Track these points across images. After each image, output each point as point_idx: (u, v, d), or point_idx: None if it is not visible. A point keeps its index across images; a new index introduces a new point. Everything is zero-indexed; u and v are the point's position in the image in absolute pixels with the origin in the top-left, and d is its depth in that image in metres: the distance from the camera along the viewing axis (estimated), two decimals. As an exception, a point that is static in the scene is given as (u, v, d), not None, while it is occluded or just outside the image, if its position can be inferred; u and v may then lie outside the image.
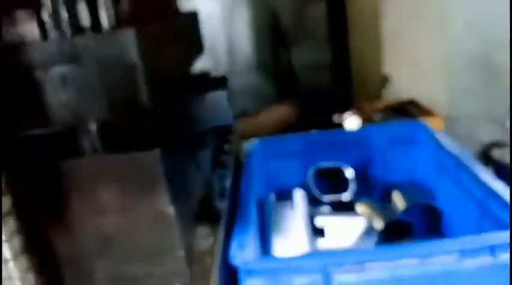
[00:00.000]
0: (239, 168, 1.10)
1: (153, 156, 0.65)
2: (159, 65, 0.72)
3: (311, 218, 1.01)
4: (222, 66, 2.48)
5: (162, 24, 0.80)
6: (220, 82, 1.01)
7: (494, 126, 1.75)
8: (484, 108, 2.11)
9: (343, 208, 1.16)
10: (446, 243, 0.73)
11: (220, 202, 0.90)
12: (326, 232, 0.98)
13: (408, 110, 1.86)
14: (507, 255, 0.71)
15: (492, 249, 0.71)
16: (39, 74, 0.62)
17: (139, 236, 0.69)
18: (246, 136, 1.96)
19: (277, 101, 2.55)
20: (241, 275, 0.74)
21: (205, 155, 1.00)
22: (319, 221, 0.99)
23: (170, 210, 0.68)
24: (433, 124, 1.33)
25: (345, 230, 0.99)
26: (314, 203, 1.17)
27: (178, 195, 0.71)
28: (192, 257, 0.73)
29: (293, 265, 0.73)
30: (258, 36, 2.54)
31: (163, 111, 0.70)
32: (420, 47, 1.99)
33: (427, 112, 1.73)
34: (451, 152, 1.06)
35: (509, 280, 0.71)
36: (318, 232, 1.00)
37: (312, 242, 0.98)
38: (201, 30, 1.15)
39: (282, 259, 0.76)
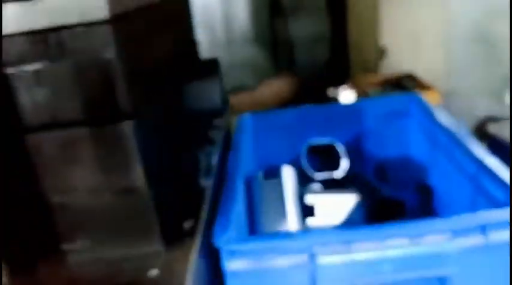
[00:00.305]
0: (229, 144, 1.05)
1: (126, 128, 0.60)
2: (140, 61, 0.67)
3: (301, 196, 0.97)
4: (218, 38, 2.42)
5: (144, 13, 0.74)
6: (211, 67, 0.96)
7: (491, 100, 1.70)
8: (482, 81, 2.05)
9: (335, 186, 1.12)
10: (437, 223, 0.69)
11: (206, 179, 0.86)
12: (316, 210, 0.94)
13: (405, 84, 1.80)
14: (500, 235, 0.67)
15: (484, 229, 0.67)
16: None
17: (112, 215, 0.65)
18: (242, 111, 1.91)
19: (275, 74, 2.50)
20: (223, 256, 0.70)
21: (193, 131, 0.96)
22: (309, 199, 0.95)
23: (144, 187, 0.64)
24: (430, 98, 1.28)
25: (335, 207, 0.95)
26: (305, 180, 1.13)
27: (154, 171, 0.67)
28: (171, 238, 0.69)
29: (277, 246, 0.69)
30: (255, 8, 2.46)
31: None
32: (418, 17, 1.92)
33: (424, 86, 1.68)
34: (445, 127, 1.01)
35: (503, 261, 0.68)
36: (307, 210, 0.96)
37: (301, 220, 0.94)
38: (191, 14, 1.07)
39: (265, 239, 0.72)
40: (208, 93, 0.84)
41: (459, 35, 2.00)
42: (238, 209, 0.81)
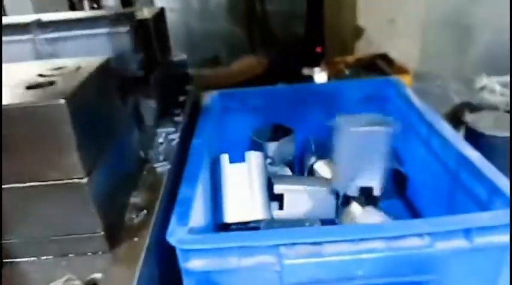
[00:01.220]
0: (193, 124, 0.93)
1: (58, 109, 0.48)
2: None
3: (269, 184, 0.86)
4: (193, 7, 2.26)
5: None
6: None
7: (464, 85, 1.61)
8: (455, 65, 1.97)
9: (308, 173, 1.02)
10: (416, 225, 0.60)
11: (163, 164, 0.74)
12: (285, 201, 0.84)
13: (379, 65, 1.71)
14: (484, 239, 0.58)
15: (468, 232, 0.58)
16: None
17: (47, 211, 0.53)
18: (214, 86, 1.78)
19: (249, 50, 2.37)
20: (180, 256, 0.59)
21: (149, 109, 0.83)
22: (277, 189, 0.84)
23: (83, 178, 0.52)
24: (403, 81, 1.17)
25: (306, 199, 0.85)
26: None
27: (97, 158, 0.55)
28: (116, 236, 0.58)
29: (240, 244, 0.59)
30: (232, -20, 2.30)
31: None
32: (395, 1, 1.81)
33: (398, 68, 1.59)
34: (422, 113, 0.91)
35: (489, 267, 0.59)
36: (276, 199, 0.86)
37: (268, 211, 0.84)
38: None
39: (227, 237, 0.61)
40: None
41: (435, 18, 1.91)
42: (198, 199, 0.70)
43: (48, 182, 0.52)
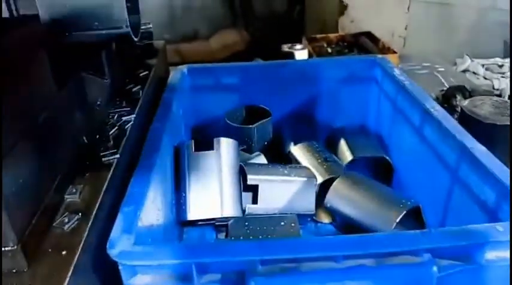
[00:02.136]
0: (156, 104, 0.77)
1: None
2: None
3: (241, 173, 0.72)
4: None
5: None
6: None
7: (446, 66, 1.49)
8: (437, 47, 1.85)
9: (282, 159, 0.89)
10: (413, 238, 0.47)
11: (111, 152, 0.59)
12: (259, 193, 0.70)
13: (363, 43, 1.56)
14: (495, 256, 0.46)
15: (478, 248, 0.46)
16: None
17: None
18: (192, 62, 1.62)
19: (229, 24, 2.21)
20: (123, 272, 0.45)
21: (99, 85, 0.67)
22: (251, 180, 0.70)
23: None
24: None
25: (282, 190, 0.72)
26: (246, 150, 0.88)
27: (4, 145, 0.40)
28: (37, 249, 0.43)
29: (196, 260, 0.45)
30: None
31: None
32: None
33: (383, 47, 1.45)
34: (413, 97, 0.78)
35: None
36: (249, 190, 0.72)
37: (239, 206, 0.70)
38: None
39: (180, 250, 0.48)
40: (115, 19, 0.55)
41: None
42: (154, 194, 0.56)
43: None
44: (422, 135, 0.74)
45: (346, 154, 0.87)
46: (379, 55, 0.99)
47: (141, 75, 0.82)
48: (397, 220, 0.64)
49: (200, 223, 0.71)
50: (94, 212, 0.49)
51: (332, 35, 1.61)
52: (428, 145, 0.72)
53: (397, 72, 0.88)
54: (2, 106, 0.38)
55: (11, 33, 0.43)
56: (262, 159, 0.89)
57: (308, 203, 0.74)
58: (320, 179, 0.77)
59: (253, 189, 0.72)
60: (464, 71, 1.55)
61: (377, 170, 0.88)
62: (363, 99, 0.97)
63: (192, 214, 0.67)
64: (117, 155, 0.59)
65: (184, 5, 2.20)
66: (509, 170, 0.55)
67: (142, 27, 0.92)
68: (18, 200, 0.41)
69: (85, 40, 0.56)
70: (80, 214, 0.48)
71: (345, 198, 0.73)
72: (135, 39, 0.60)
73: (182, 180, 0.71)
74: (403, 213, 0.64)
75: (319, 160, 0.81)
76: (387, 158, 0.84)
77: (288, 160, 0.87)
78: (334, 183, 0.74)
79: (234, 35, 2.22)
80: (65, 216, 0.47)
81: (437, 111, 0.72)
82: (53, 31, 0.53)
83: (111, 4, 0.55)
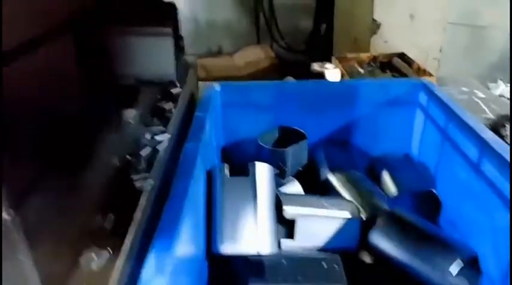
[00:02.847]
0: (188, 124, 0.72)
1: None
2: None
3: (276, 203, 0.67)
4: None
5: None
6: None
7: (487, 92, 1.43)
8: (470, 70, 1.79)
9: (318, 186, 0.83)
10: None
11: (144, 176, 0.54)
12: (296, 227, 0.64)
13: (396, 65, 1.51)
14: None
15: None
16: None
17: None
18: (216, 77, 1.58)
19: (255, 41, 2.20)
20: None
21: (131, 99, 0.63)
22: (288, 213, 0.64)
23: (6, 215, 0.32)
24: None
25: (322, 225, 0.66)
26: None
27: (32, 181, 0.35)
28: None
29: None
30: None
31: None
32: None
33: (418, 69, 1.39)
34: (466, 125, 0.72)
35: None
36: (283, 222, 0.67)
37: (275, 241, 0.64)
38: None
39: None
40: (156, 51, 0.50)
41: (454, 18, 1.72)
42: (186, 224, 0.50)
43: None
44: (479, 169, 0.67)
45: (389, 186, 0.81)
46: (425, 78, 0.94)
47: (173, 91, 0.78)
48: (454, 274, 0.57)
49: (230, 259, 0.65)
50: (124, 247, 0.43)
51: (364, 55, 1.56)
52: (486, 180, 0.66)
53: (445, 97, 0.82)
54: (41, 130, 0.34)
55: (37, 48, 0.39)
56: (296, 185, 0.83)
57: (350, 242, 0.67)
58: (363, 215, 0.70)
59: (290, 222, 0.66)
60: (500, 96, 1.48)
61: (422, 204, 0.81)
62: (406, 125, 0.91)
63: (225, 248, 0.62)
64: (151, 182, 0.54)
65: (209, 20, 2.19)
66: None
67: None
68: (43, 242, 0.36)
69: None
70: (109, 249, 0.43)
71: (391, 238, 0.67)
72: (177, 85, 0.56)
73: (214, 207, 0.66)
74: (461, 266, 0.58)
75: (361, 192, 0.75)
76: (435, 192, 0.78)
77: (324, 188, 0.81)
78: (379, 220, 0.68)
79: (259, 51, 2.19)
80: (93, 252, 0.42)
81: (497, 142, 0.65)
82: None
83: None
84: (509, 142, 0.84)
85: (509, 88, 1.51)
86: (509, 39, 1.52)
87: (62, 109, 0.41)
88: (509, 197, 0.59)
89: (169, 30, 0.50)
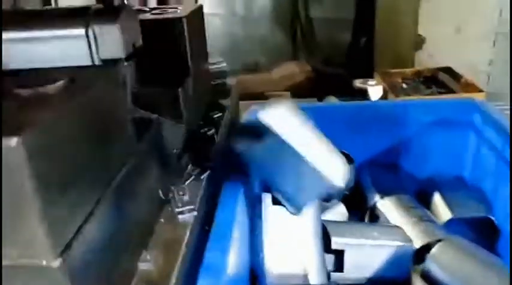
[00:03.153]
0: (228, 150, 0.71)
1: (9, 151, 0.28)
2: None
3: (324, 233, 0.64)
4: (236, 12, 2.10)
5: None
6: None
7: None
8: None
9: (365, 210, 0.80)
10: None
11: (187, 209, 0.53)
12: (346, 259, 0.61)
13: (442, 80, 1.45)
14: None
15: None
16: None
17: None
18: (252, 93, 1.57)
19: (292, 56, 2.19)
20: None
21: (175, 132, 0.62)
22: (337, 244, 0.62)
23: (53, 261, 0.31)
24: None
25: (372, 255, 0.62)
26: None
27: (79, 225, 0.34)
28: None
29: None
30: (277, -15, 2.12)
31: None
32: (463, 7, 1.54)
33: (466, 85, 1.33)
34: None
35: None
36: (330, 252, 0.64)
37: (324, 272, 0.61)
38: None
39: None
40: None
41: (503, 29, 1.64)
42: (229, 263, 0.49)
43: (5, 263, 0.31)
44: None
45: (442, 211, 0.76)
46: (475, 94, 0.89)
47: (215, 117, 0.77)
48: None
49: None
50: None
51: (407, 70, 1.51)
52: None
53: (501, 118, 0.77)
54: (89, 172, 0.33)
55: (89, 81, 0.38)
56: (341, 209, 0.80)
57: (402, 271, 0.64)
58: (417, 243, 0.66)
59: (338, 253, 0.63)
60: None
61: (478, 231, 0.76)
62: (457, 147, 0.87)
63: (272, 280, 0.60)
64: (195, 213, 0.53)
65: (246, 35, 2.19)
66: None
67: (216, 66, 0.89)
68: (87, 272, 0.35)
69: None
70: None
71: (447, 267, 0.63)
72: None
73: (259, 237, 0.64)
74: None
75: (413, 219, 0.71)
76: (492, 218, 0.73)
77: (372, 214, 0.78)
78: (435, 249, 0.64)
79: (296, 66, 2.18)
80: (141, 294, 0.41)
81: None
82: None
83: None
84: None
85: None
86: (510, 39, 1.43)
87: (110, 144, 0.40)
88: None
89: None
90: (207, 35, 0.82)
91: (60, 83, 0.35)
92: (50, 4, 1.37)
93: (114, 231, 0.40)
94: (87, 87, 0.35)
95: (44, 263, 0.31)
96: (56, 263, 0.31)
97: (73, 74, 0.37)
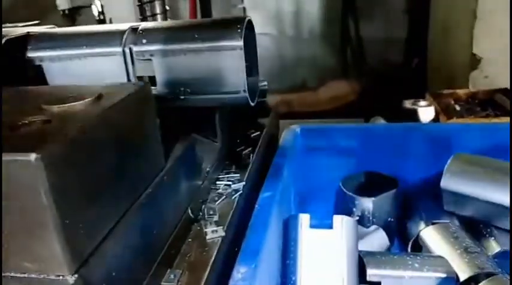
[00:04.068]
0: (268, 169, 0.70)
1: (28, 167, 0.28)
2: None
3: (359, 261, 0.61)
4: (286, 32, 2.11)
5: None
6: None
7: None
8: None
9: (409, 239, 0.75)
10: None
11: (215, 230, 0.52)
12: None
13: (499, 101, 1.37)
14: None
15: None
16: None
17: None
18: (299, 112, 1.55)
19: (340, 76, 2.16)
20: None
21: (210, 150, 0.62)
22: (372, 275, 0.58)
23: (69, 276, 0.31)
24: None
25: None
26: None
27: (96, 240, 0.34)
28: None
29: None
30: (327, 4, 2.11)
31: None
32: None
33: (526, 107, 1.24)
34: None
35: None
36: (366, 282, 0.60)
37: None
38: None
39: None
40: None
41: None
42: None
43: (21, 275, 0.32)
44: None
45: (492, 242, 0.70)
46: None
47: (252, 135, 0.76)
48: None
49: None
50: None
51: (461, 91, 1.44)
52: None
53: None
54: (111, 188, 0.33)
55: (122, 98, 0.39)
56: (381, 234, 0.76)
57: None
58: (462, 276, 0.61)
59: (375, 283, 0.59)
60: None
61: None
62: (513, 174, 0.80)
63: (302, 307, 0.57)
64: (223, 233, 0.52)
65: (294, 55, 2.19)
66: None
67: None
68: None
69: (200, 104, 0.52)
70: (176, 310, 0.41)
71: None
72: (252, 104, 0.54)
73: (292, 260, 0.62)
74: None
75: (459, 250, 0.66)
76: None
77: (415, 243, 0.73)
78: (484, 283, 0.59)
79: (345, 86, 2.15)
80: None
81: None
82: (168, 95, 0.49)
83: (230, 68, 0.50)
84: None
85: None
86: (509, 40, 1.30)
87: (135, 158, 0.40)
88: None
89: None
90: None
91: (87, 100, 0.35)
92: (105, 22, 1.45)
93: (137, 249, 0.40)
94: (114, 104, 0.36)
95: (60, 278, 0.31)
96: (72, 279, 0.31)
97: (102, 90, 0.37)
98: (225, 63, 0.48)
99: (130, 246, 0.39)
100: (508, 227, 0.67)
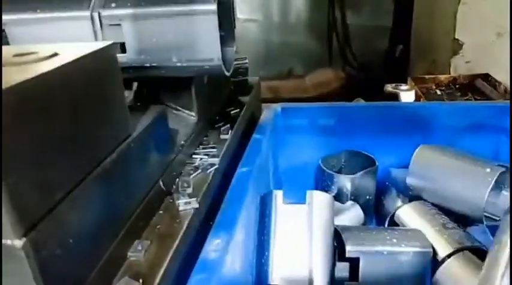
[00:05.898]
0: (244, 146, 0.68)
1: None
2: None
3: (336, 236, 0.59)
4: (273, 19, 2.07)
5: None
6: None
7: None
8: None
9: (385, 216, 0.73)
10: None
11: (188, 201, 0.49)
12: (361, 268, 0.56)
13: (479, 87, 1.36)
14: None
15: None
16: None
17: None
18: (284, 99, 1.54)
19: (326, 63, 2.14)
20: None
21: (186, 123, 0.59)
22: (351, 252, 0.56)
23: (17, 240, 0.28)
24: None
25: (389, 264, 0.57)
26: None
27: (50, 200, 0.31)
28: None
29: None
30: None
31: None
32: (504, 10, 1.44)
33: (505, 92, 1.23)
34: None
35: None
36: (345, 260, 0.58)
37: (329, 278, 0.56)
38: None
39: None
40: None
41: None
42: (231, 256, 0.45)
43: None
44: None
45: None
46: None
47: (232, 112, 0.74)
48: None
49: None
50: (157, 281, 0.39)
51: (442, 76, 1.43)
52: None
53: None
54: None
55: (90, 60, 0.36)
56: (356, 210, 0.75)
57: (422, 279, 0.58)
58: (443, 252, 0.60)
59: (352, 261, 0.58)
60: None
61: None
62: (490, 153, 0.79)
63: (275, 280, 0.55)
64: (196, 205, 0.49)
65: (281, 42, 2.16)
66: None
67: (238, 62, 0.85)
68: (62, 274, 0.32)
69: (172, 73, 0.49)
70: (141, 281, 0.38)
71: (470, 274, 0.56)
72: (227, 74, 0.51)
73: (266, 235, 0.59)
74: None
75: (437, 226, 0.65)
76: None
77: (392, 221, 0.72)
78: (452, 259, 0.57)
79: (331, 73, 2.13)
80: (124, 283, 0.38)
81: None
82: (138, 62, 0.46)
83: (203, 34, 0.47)
84: None
85: None
86: (509, 41, 1.30)
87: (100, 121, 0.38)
88: None
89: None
90: (242, 40, 0.79)
91: (40, 57, 0.32)
92: None
93: (99, 216, 0.37)
94: (69, 62, 0.33)
95: (8, 242, 0.28)
96: (19, 243, 0.28)
97: (58, 49, 0.34)
98: (198, 28, 0.46)
99: (91, 212, 0.36)
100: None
